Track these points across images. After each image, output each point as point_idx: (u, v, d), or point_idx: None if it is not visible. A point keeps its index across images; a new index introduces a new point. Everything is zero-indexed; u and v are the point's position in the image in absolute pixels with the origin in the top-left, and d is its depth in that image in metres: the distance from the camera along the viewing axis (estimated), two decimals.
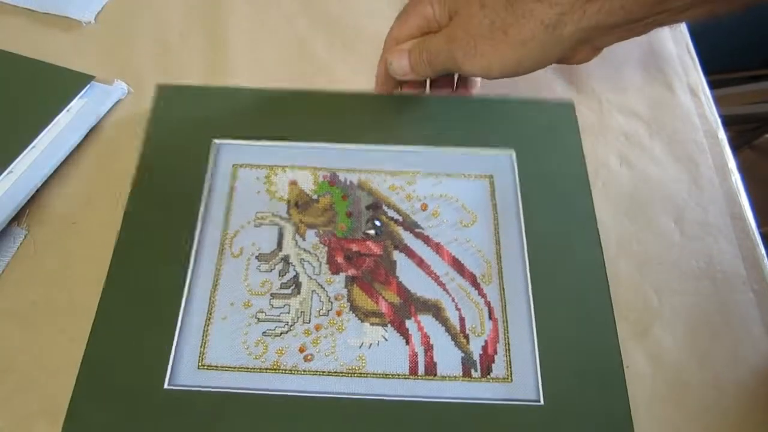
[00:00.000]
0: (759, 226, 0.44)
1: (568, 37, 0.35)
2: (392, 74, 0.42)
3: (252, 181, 0.42)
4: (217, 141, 0.43)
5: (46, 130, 0.42)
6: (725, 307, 0.39)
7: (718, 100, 0.51)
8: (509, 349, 0.36)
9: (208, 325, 0.36)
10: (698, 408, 0.36)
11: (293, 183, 0.42)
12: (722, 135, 0.48)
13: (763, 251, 0.42)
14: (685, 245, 0.42)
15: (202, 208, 0.40)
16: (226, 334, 0.36)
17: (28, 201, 0.40)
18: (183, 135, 0.43)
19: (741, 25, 0.81)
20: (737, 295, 0.40)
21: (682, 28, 0.54)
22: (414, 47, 0.41)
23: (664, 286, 0.40)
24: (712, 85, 0.52)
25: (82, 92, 0.44)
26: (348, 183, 0.42)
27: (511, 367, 0.36)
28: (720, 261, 0.41)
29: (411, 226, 0.40)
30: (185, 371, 0.35)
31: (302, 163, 0.43)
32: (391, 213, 0.41)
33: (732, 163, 0.46)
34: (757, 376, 0.37)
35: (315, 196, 0.41)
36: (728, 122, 0.51)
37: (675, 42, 0.53)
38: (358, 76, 0.49)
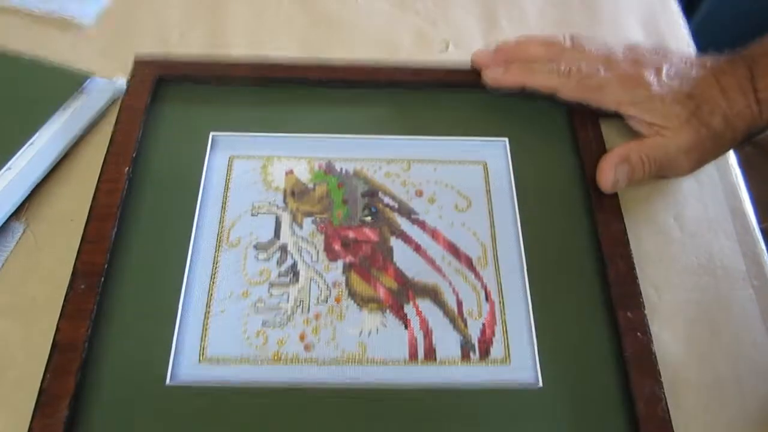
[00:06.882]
0: (759, 221, 0.43)
1: None
2: (604, 184, 0.40)
3: (248, 171, 0.42)
4: (214, 134, 0.43)
5: (44, 126, 0.42)
6: (725, 303, 0.39)
7: None
8: (506, 331, 0.36)
9: (207, 318, 0.36)
10: (698, 405, 0.35)
11: (289, 172, 0.42)
12: None
13: (764, 247, 0.42)
14: (685, 241, 0.41)
15: (199, 201, 0.40)
16: (226, 325, 0.36)
17: (27, 197, 0.40)
18: (180, 128, 0.43)
19: (741, 22, 0.80)
20: (737, 291, 0.40)
21: (682, 27, 0.54)
22: (637, 156, 0.40)
23: (664, 282, 0.39)
24: None
25: (81, 88, 0.44)
26: (344, 172, 0.42)
27: (509, 349, 0.36)
28: (720, 257, 0.41)
29: (407, 212, 0.41)
30: (186, 366, 0.35)
31: (298, 153, 0.43)
32: (386, 200, 0.41)
33: (732, 159, 0.46)
34: (757, 372, 0.37)
35: (311, 185, 0.41)
36: None
37: (675, 41, 0.53)
38: None
